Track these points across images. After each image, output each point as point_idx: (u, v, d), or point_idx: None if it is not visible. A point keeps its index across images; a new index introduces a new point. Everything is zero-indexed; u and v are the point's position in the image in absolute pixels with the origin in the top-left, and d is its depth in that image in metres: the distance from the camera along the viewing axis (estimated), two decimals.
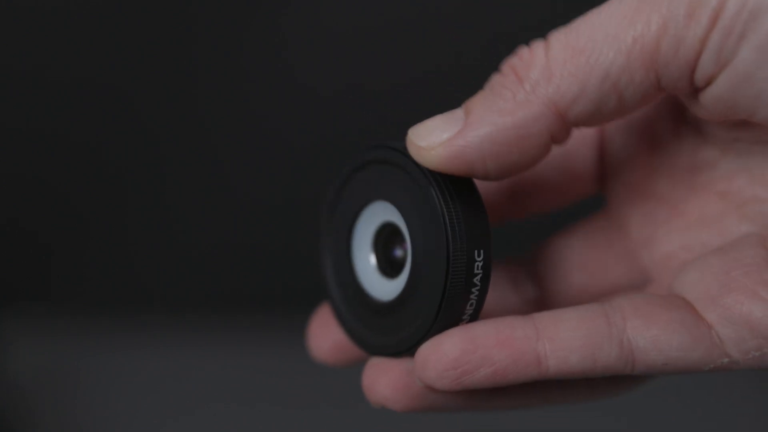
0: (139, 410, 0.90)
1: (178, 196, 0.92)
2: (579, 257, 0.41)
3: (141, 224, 0.93)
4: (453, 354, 0.34)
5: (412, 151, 0.35)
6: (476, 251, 0.36)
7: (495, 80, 0.34)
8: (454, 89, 0.87)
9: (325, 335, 0.41)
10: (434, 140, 0.34)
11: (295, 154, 0.91)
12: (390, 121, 0.93)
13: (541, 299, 0.41)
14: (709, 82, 0.33)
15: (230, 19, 0.87)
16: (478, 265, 0.36)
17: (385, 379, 0.36)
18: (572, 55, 0.33)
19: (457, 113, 0.35)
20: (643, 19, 0.32)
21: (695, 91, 0.33)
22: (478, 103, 0.34)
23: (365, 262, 0.38)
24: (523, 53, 0.34)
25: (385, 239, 0.38)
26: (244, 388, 0.91)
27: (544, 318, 0.35)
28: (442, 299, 0.35)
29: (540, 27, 0.85)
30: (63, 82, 0.89)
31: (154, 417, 0.89)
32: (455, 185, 0.35)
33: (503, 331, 0.34)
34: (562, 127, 0.34)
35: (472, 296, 0.36)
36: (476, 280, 0.36)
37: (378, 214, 0.38)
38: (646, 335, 0.34)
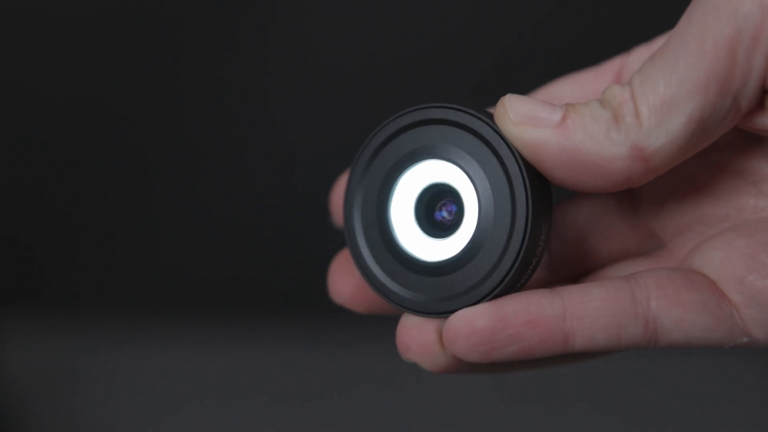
0: (137, 410, 0.89)
1: (177, 197, 0.92)
2: (588, 223, 0.41)
3: (139, 225, 0.93)
4: (483, 332, 0.35)
5: (500, 115, 0.36)
6: (544, 225, 0.37)
7: (596, 108, 0.35)
8: (454, 90, 0.88)
9: (347, 278, 0.41)
10: (524, 120, 0.35)
11: (294, 156, 0.91)
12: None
13: (552, 265, 0.41)
14: None
15: (236, 18, 0.88)
16: (543, 238, 0.37)
17: (421, 339, 0.37)
18: (655, 107, 0.34)
19: (558, 110, 0.35)
20: (710, 52, 0.34)
21: (766, 95, 0.35)
22: (578, 114, 0.35)
23: (406, 219, 0.38)
24: (616, 92, 0.35)
25: (432, 199, 0.38)
26: (241, 387, 0.91)
27: (572, 294, 0.36)
28: (512, 267, 0.36)
29: (540, 27, 0.85)
30: (63, 82, 0.89)
31: (152, 417, 0.89)
32: (526, 160, 0.36)
33: (532, 309, 0.35)
34: (642, 170, 0.35)
35: (530, 267, 0.37)
36: (538, 252, 0.37)
37: (426, 173, 0.37)
38: (671, 316, 0.35)
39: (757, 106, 0.35)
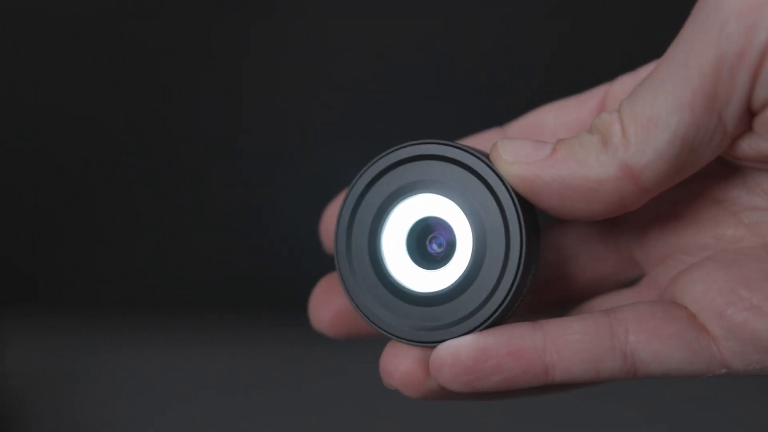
0: (137, 410, 0.90)
1: (177, 198, 0.93)
2: (571, 249, 0.42)
3: (138, 225, 0.93)
4: (467, 362, 0.36)
5: (494, 158, 0.37)
6: (533, 266, 0.38)
7: (585, 136, 0.36)
8: (454, 96, 0.88)
9: (327, 306, 0.42)
10: (517, 158, 0.37)
11: (295, 155, 0.91)
12: (393, 125, 0.94)
13: (533, 289, 0.42)
14: (764, 105, 0.35)
15: (237, 19, 0.88)
16: (530, 278, 0.38)
17: (404, 367, 0.38)
18: (641, 125, 0.35)
19: (548, 146, 0.37)
20: (695, 71, 0.34)
21: (752, 117, 0.35)
22: (567, 146, 0.36)
23: (398, 249, 0.38)
24: (604, 117, 0.36)
25: (425, 231, 0.38)
26: (241, 387, 0.91)
27: (553, 328, 0.37)
28: (500, 305, 0.37)
29: (526, 56, 0.85)
30: (65, 81, 0.89)
31: (152, 417, 0.89)
32: (522, 198, 0.37)
33: (514, 341, 0.36)
34: (634, 191, 0.36)
35: (516, 305, 0.38)
36: (525, 291, 0.38)
37: (421, 206, 0.38)
38: (649, 349, 0.36)
39: (746, 129, 0.35)
